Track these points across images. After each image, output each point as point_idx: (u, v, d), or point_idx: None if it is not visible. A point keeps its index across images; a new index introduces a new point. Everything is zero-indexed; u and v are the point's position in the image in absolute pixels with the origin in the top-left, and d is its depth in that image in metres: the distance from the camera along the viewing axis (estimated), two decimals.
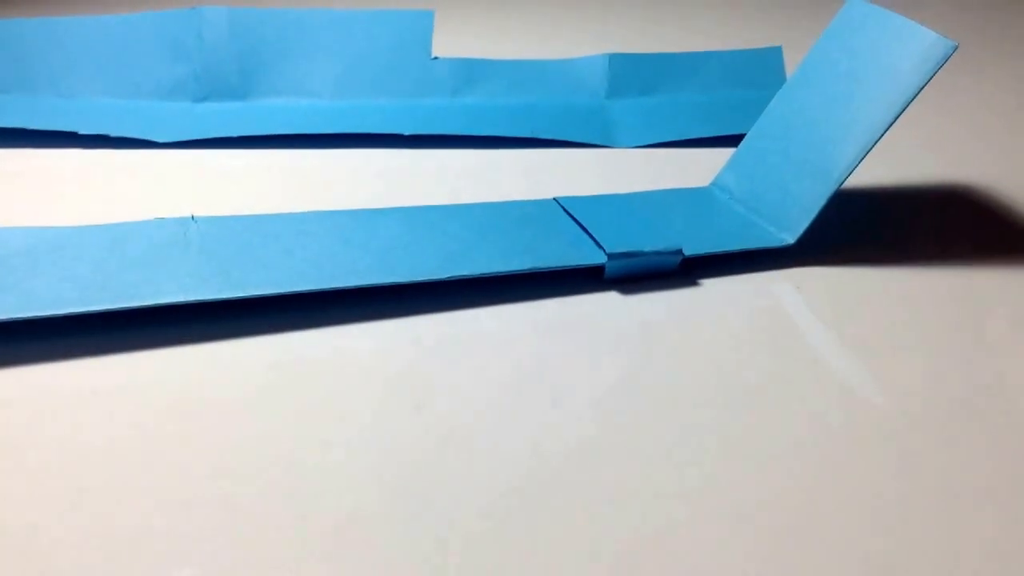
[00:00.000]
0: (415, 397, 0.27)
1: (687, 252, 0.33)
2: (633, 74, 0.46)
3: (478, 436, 0.25)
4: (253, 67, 0.45)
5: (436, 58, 0.46)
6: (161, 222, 0.33)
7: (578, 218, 0.34)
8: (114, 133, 0.43)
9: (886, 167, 0.40)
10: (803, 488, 0.24)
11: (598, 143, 0.43)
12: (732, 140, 0.41)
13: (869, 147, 0.33)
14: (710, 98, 0.46)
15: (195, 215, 0.33)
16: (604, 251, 0.32)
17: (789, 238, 0.34)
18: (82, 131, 0.43)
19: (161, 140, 0.43)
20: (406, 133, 0.43)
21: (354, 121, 0.44)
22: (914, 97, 0.33)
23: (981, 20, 0.64)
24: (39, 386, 0.27)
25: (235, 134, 0.43)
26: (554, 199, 0.36)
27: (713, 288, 0.32)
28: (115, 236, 0.32)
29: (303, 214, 0.34)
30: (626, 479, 0.24)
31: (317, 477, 0.24)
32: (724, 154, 0.37)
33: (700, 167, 0.40)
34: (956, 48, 0.32)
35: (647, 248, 0.32)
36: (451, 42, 0.58)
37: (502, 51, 0.56)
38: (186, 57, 0.45)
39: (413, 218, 0.34)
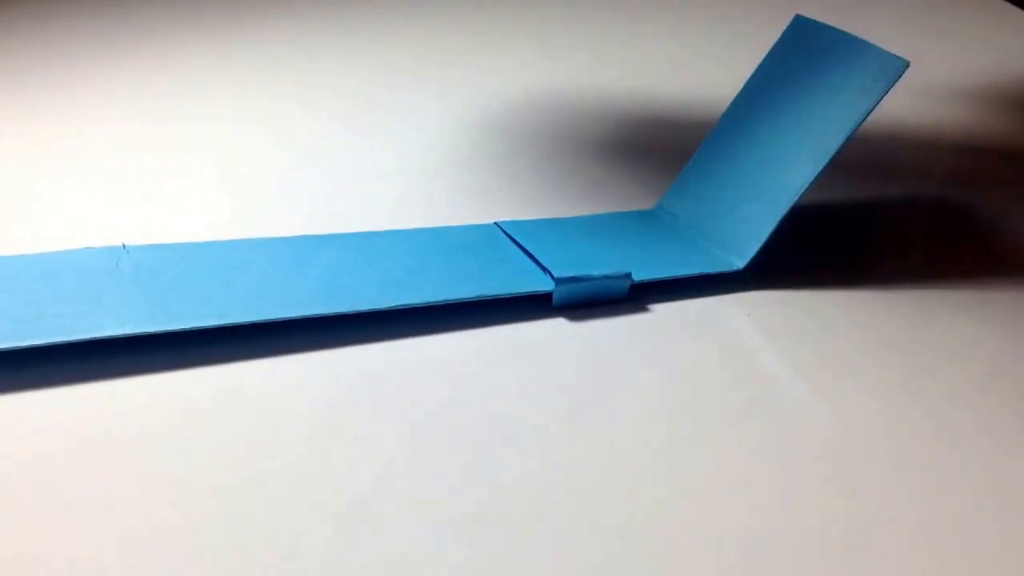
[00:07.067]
0: (356, 427, 0.26)
1: (636, 277, 0.32)
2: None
3: (420, 466, 0.25)
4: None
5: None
6: (91, 252, 0.32)
7: (523, 243, 0.33)
8: None
9: (839, 187, 0.40)
10: (754, 520, 0.23)
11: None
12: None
13: (820, 169, 0.32)
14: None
15: (126, 244, 0.32)
16: (552, 277, 0.31)
17: (739, 262, 0.33)
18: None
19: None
20: None
21: None
22: (866, 117, 0.32)
23: (934, 32, 0.64)
24: None
25: None
26: (496, 224, 0.35)
27: (663, 314, 0.32)
28: (44, 266, 0.31)
29: (239, 241, 0.33)
30: (570, 512, 0.23)
31: (256, 510, 0.23)
32: (669, 175, 0.37)
33: (645, 188, 0.40)
34: (908, 66, 0.32)
35: (595, 273, 0.32)
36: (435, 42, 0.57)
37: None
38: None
39: (353, 245, 0.33)
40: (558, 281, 0.31)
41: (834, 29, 0.34)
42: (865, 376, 0.29)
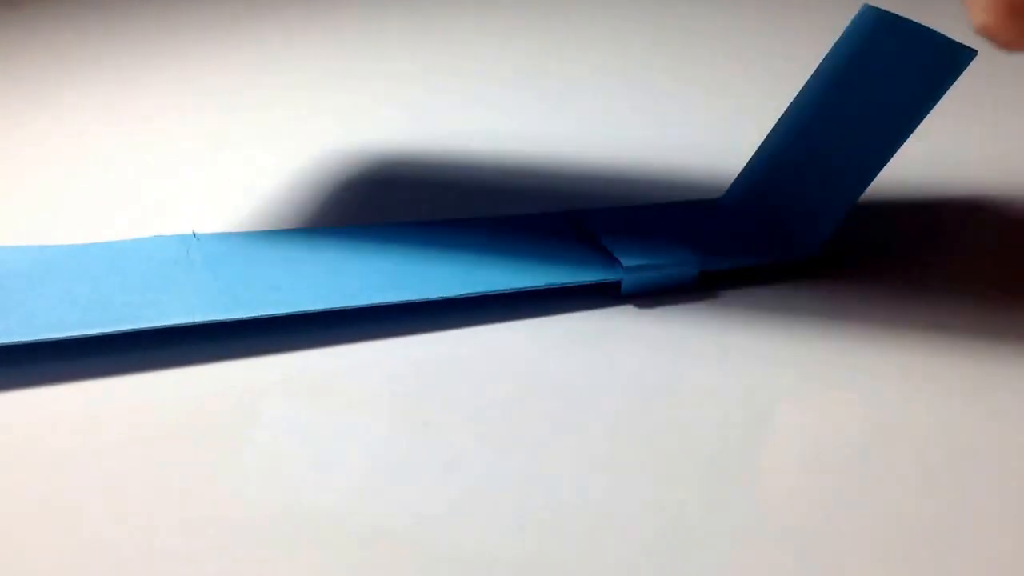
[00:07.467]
0: (425, 414, 0.26)
1: (704, 266, 0.32)
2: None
3: (490, 453, 0.25)
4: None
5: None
6: (161, 240, 0.32)
7: (593, 231, 0.33)
8: None
9: (905, 176, 0.40)
10: (827, 510, 0.23)
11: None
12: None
13: (887, 158, 0.32)
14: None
15: (196, 232, 0.33)
16: (621, 265, 0.31)
17: (808, 251, 0.33)
18: None
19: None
20: None
21: None
22: (933, 105, 0.32)
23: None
24: (37, 409, 0.26)
25: None
26: (566, 212, 0.35)
27: (731, 301, 0.32)
28: (114, 254, 0.31)
29: (308, 230, 0.34)
30: (642, 498, 0.23)
31: (325, 494, 0.23)
32: (736, 165, 0.37)
33: (711, 178, 0.40)
34: (975, 55, 0.32)
35: (664, 262, 0.32)
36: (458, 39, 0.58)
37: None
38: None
39: (423, 234, 0.33)
40: (627, 269, 0.31)
41: (902, 18, 0.34)
42: (934, 373, 0.29)
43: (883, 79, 0.33)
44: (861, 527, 0.23)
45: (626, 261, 0.31)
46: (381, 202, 0.39)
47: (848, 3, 0.36)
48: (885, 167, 0.32)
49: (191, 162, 0.42)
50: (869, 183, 0.32)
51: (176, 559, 0.21)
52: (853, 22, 0.35)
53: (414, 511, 0.23)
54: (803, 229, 0.33)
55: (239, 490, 0.24)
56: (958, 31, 0.34)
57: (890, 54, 0.33)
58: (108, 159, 0.42)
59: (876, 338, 0.30)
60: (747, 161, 0.36)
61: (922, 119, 0.32)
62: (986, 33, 0.21)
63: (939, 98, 0.32)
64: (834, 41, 0.35)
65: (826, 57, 0.35)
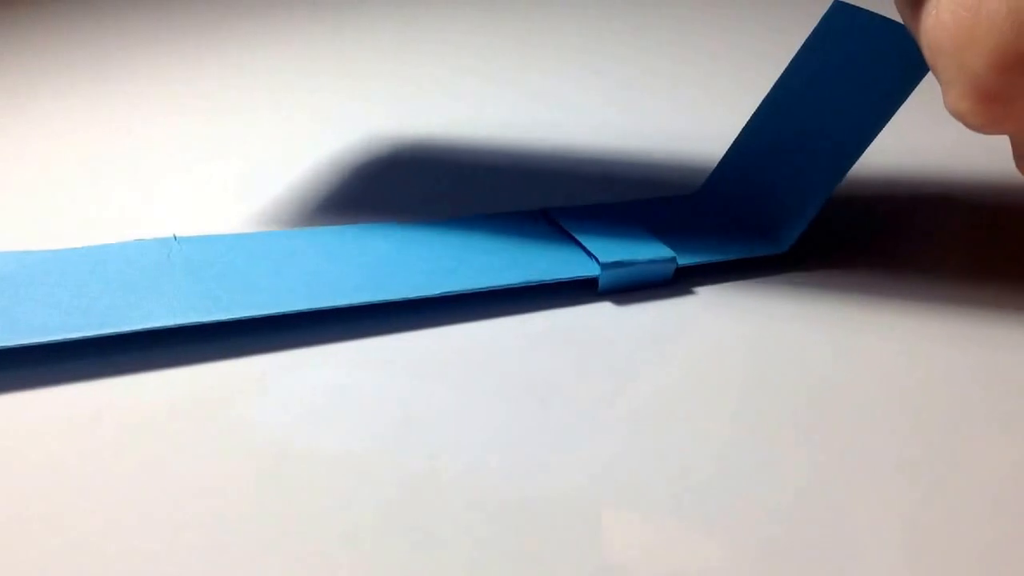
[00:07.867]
0: (406, 413, 0.27)
1: (681, 261, 0.32)
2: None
3: (470, 452, 0.25)
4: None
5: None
6: (142, 244, 0.32)
7: (568, 229, 0.34)
8: None
9: (879, 169, 0.40)
10: (800, 504, 0.23)
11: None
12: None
13: (860, 152, 0.33)
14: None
15: (176, 235, 0.33)
16: (597, 262, 0.32)
17: (782, 246, 0.33)
18: None
19: None
20: None
21: None
22: (904, 100, 0.32)
23: None
24: (19, 413, 0.26)
25: None
26: (542, 210, 0.35)
27: (707, 296, 0.32)
28: (96, 259, 0.31)
29: (287, 232, 0.34)
30: (622, 498, 0.24)
31: (305, 494, 0.24)
32: (711, 161, 0.37)
33: (686, 173, 0.40)
34: None
35: (640, 257, 0.32)
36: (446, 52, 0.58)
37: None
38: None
39: (400, 234, 0.34)
40: (604, 266, 0.32)
41: (872, 13, 0.34)
42: (909, 364, 0.29)
43: (855, 74, 0.34)
44: (854, 523, 0.23)
45: (603, 257, 0.32)
46: (360, 202, 0.39)
47: None
48: (859, 160, 0.33)
49: (172, 166, 0.42)
50: (843, 176, 0.33)
51: (164, 560, 0.22)
52: (824, 18, 0.35)
53: (400, 510, 0.23)
54: (779, 223, 0.34)
55: (222, 490, 0.24)
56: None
57: (861, 49, 0.34)
58: (88, 166, 0.42)
59: (853, 329, 0.30)
60: (722, 156, 0.37)
61: (894, 112, 0.33)
62: (961, 118, 0.22)
63: (910, 92, 0.32)
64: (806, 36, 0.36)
65: (798, 52, 0.36)
